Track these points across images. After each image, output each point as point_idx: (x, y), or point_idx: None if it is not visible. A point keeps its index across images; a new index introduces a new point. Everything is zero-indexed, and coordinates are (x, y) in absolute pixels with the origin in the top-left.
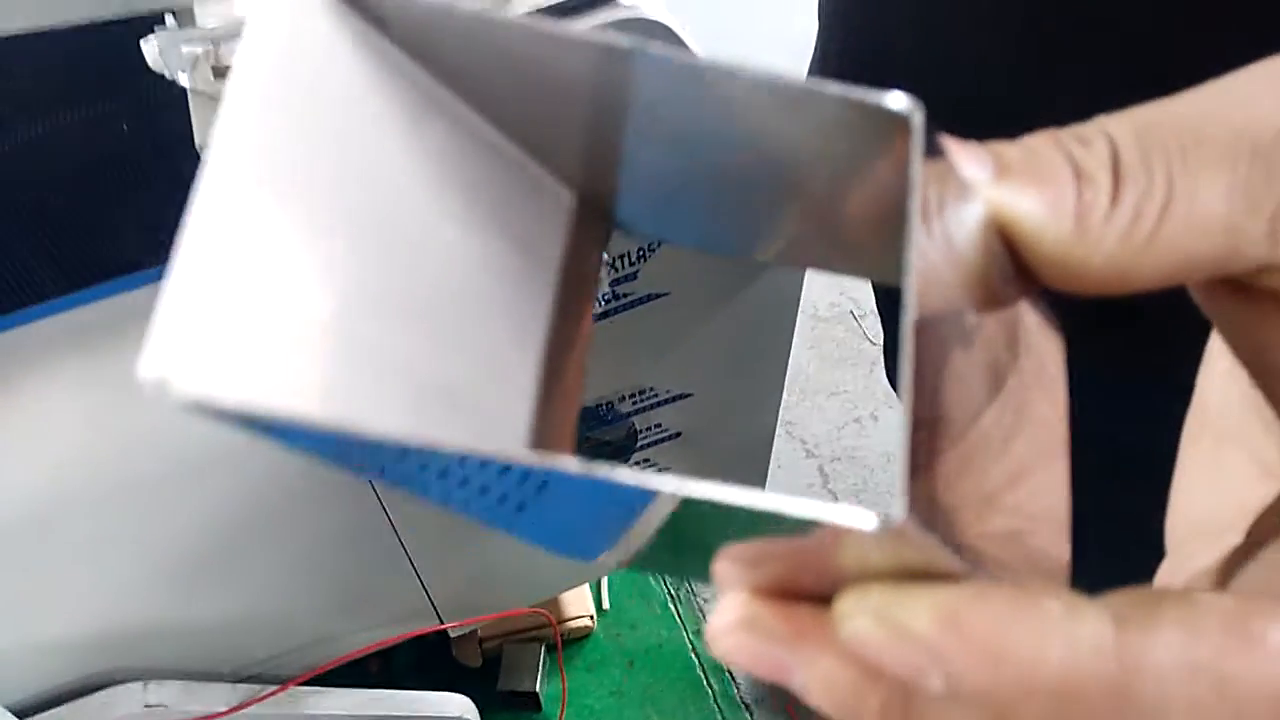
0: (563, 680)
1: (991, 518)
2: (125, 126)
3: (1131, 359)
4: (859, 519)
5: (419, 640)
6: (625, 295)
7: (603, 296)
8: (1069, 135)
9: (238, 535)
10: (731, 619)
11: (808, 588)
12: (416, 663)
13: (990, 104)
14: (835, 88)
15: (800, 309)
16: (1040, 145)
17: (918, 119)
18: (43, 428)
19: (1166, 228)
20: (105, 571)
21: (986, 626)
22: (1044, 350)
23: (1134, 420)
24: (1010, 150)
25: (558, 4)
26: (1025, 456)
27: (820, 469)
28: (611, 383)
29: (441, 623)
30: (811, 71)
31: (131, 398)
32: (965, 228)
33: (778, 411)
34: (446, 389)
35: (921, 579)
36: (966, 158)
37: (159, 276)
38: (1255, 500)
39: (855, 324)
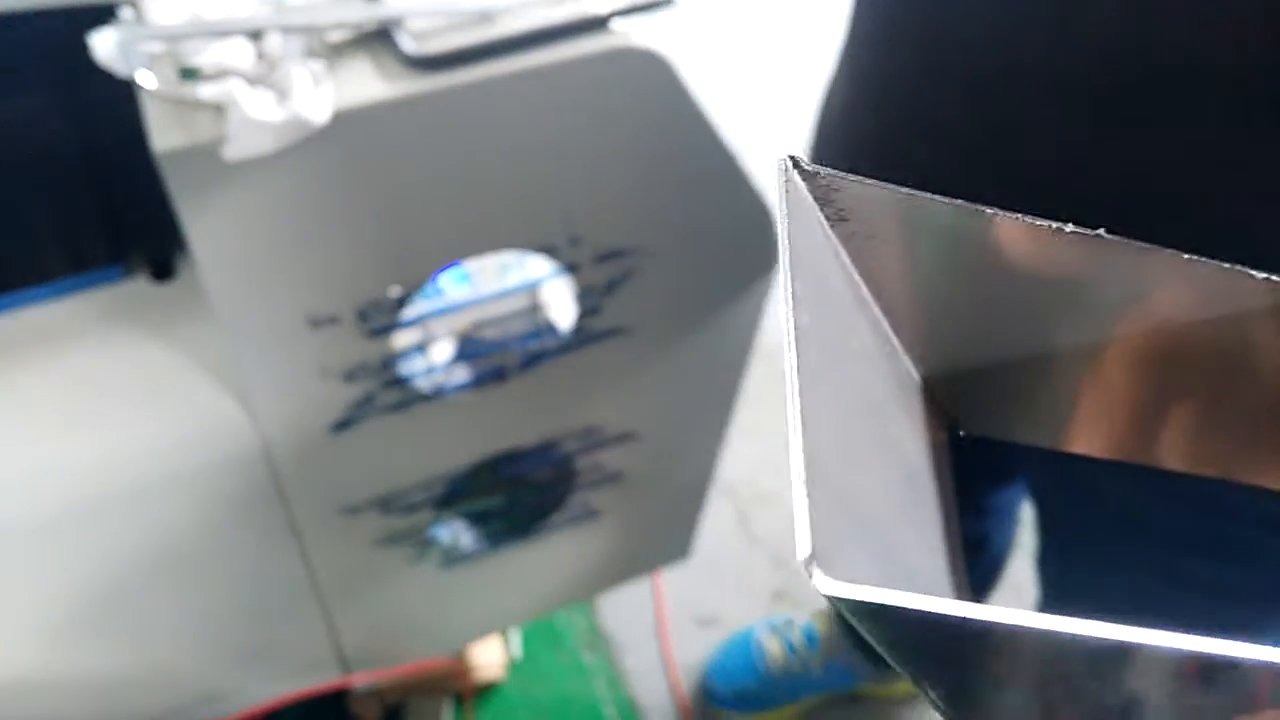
0: None
1: None
2: (55, 126)
3: None
4: None
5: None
6: (587, 330)
7: (566, 331)
8: None
9: (131, 583)
10: None
11: None
12: (307, 718)
13: (1039, 174)
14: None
15: None
16: None
17: None
18: None
19: None
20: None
21: None
22: None
23: None
24: None
25: (548, 29)
26: None
27: (739, 512)
28: (562, 422)
29: (348, 674)
30: (830, 126)
31: (21, 434)
32: None
33: (718, 454)
34: (914, 574)
35: None
36: None
37: (68, 290)
38: None
39: (774, 362)
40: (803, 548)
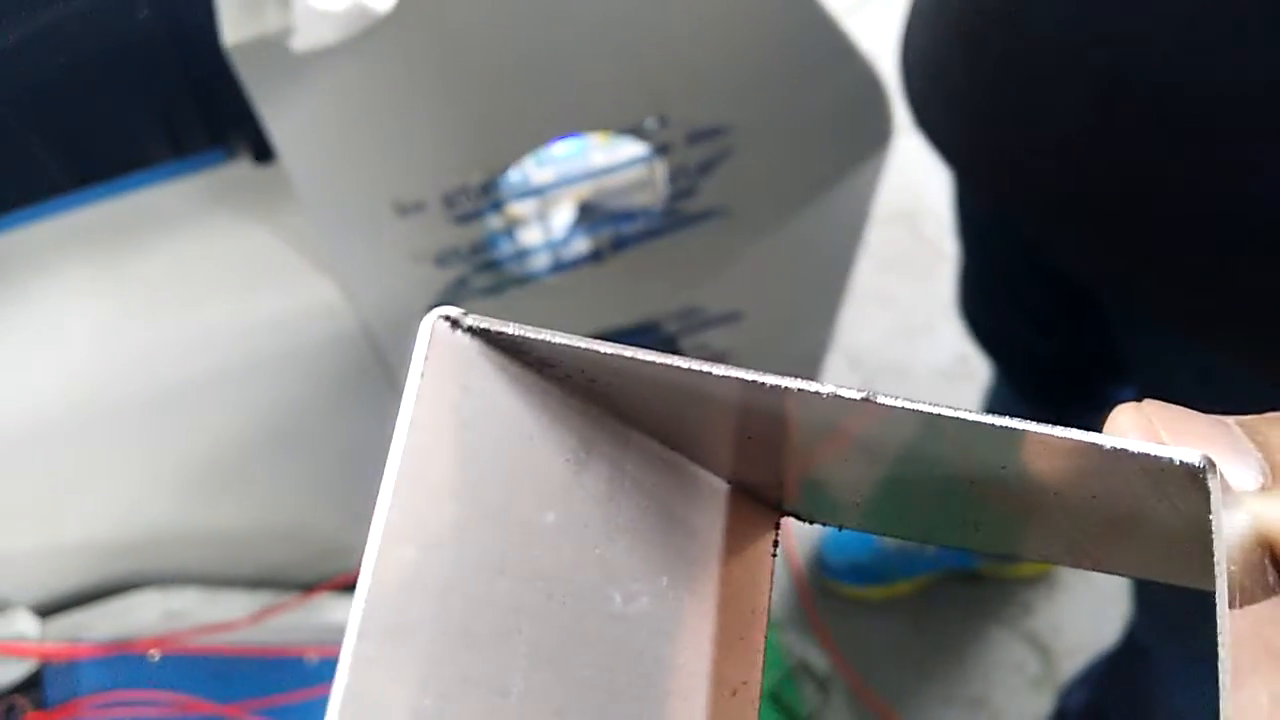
0: None
1: None
2: (141, 14)
3: None
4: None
5: None
6: (682, 212)
7: (659, 213)
8: None
9: (260, 443)
10: None
11: None
12: None
13: (1145, 79)
14: (1136, 446)
15: None
16: None
17: (1215, 479)
18: (57, 334)
19: None
20: (127, 477)
21: None
22: None
23: None
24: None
25: None
26: None
27: (865, 382)
28: (660, 304)
29: None
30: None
31: (147, 305)
32: (1233, 533)
33: (832, 328)
34: None
35: None
36: (1236, 462)
37: (172, 174)
38: None
39: (913, 225)
40: None
